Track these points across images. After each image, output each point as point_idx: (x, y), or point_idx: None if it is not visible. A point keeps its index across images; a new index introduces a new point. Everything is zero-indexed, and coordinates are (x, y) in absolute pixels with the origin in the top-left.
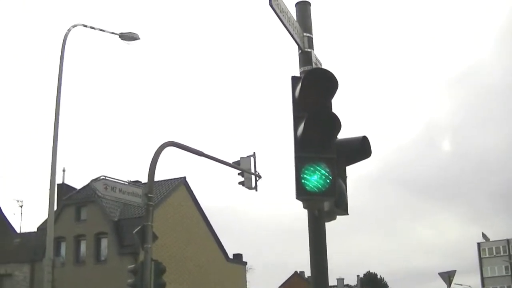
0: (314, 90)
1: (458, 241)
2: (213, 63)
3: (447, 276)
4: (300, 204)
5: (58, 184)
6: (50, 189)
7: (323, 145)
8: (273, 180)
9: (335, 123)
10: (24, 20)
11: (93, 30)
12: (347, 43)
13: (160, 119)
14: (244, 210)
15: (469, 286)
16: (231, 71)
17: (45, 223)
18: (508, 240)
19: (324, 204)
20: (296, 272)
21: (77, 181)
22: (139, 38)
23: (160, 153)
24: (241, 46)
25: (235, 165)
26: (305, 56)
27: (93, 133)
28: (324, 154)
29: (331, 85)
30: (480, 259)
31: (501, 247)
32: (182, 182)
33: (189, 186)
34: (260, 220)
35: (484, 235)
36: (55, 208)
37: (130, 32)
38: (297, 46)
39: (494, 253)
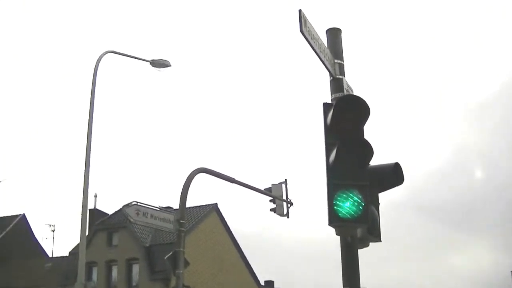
0: (346, 117)
1: (491, 270)
2: (244, 89)
3: None
4: (332, 230)
5: (90, 210)
6: (82, 214)
7: (356, 172)
8: (305, 206)
9: (368, 150)
10: (55, 46)
11: (124, 56)
12: (378, 69)
13: (191, 145)
14: (275, 236)
15: None
16: (262, 97)
17: (76, 247)
18: None
19: (357, 231)
20: None
21: (109, 207)
22: (170, 65)
23: (191, 179)
24: (272, 72)
25: (267, 191)
26: (337, 83)
27: (124, 159)
28: (357, 181)
29: (363, 112)
30: None
31: None
32: (213, 209)
33: (221, 213)
34: (291, 247)
35: None
36: (87, 233)
37: (161, 59)
38: (328, 73)
39: None
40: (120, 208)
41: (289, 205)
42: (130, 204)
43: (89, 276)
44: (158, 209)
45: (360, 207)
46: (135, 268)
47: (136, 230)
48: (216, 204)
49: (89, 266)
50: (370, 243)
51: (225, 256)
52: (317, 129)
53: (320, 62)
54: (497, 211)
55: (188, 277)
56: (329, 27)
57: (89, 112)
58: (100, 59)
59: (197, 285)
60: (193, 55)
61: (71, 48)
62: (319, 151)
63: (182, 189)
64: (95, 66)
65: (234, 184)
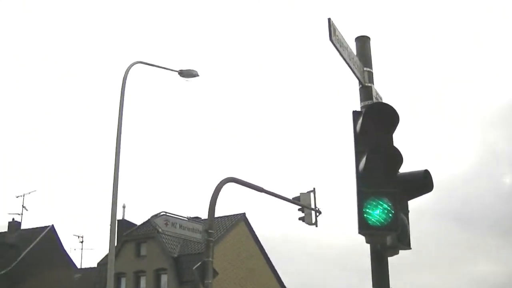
0: (375, 125)
1: None
2: (273, 98)
3: None
4: (360, 238)
5: (118, 220)
6: (111, 225)
7: (385, 180)
8: (333, 214)
9: (397, 158)
10: (84, 57)
11: (153, 67)
12: (406, 76)
13: (219, 155)
14: (304, 245)
15: None
16: (290, 106)
17: (105, 258)
18: None
19: (386, 238)
20: None
21: (137, 217)
22: (198, 75)
23: (220, 189)
24: (300, 80)
25: (295, 200)
26: (366, 91)
27: (152, 169)
28: (386, 189)
29: (393, 119)
30: None
31: None
32: (241, 218)
33: (249, 222)
34: (320, 256)
35: None
36: (115, 243)
37: (189, 69)
38: (357, 81)
39: None
40: (149, 219)
41: (317, 213)
42: (159, 215)
43: (118, 287)
44: (187, 219)
45: (390, 215)
46: (164, 279)
47: (164, 240)
48: (244, 213)
49: (118, 277)
50: (400, 251)
51: (253, 266)
52: (346, 136)
53: (349, 70)
54: None
55: (217, 287)
56: (358, 35)
57: (118, 122)
58: (129, 69)
59: None
60: (221, 64)
61: (101, 58)
62: (347, 159)
63: (211, 199)
64: (124, 76)
65: (262, 193)
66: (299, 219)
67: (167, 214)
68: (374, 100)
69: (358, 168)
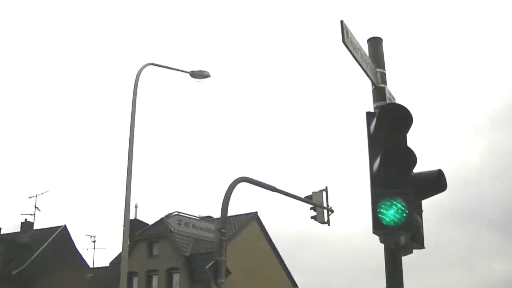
0: (389, 126)
1: None
2: (285, 98)
3: None
4: (373, 237)
5: (130, 220)
6: (124, 225)
7: (399, 180)
8: (346, 213)
9: (411, 158)
10: (96, 59)
11: (164, 68)
12: (420, 77)
13: (231, 155)
14: (316, 244)
15: None
16: (302, 106)
17: (117, 258)
18: None
19: (400, 238)
20: None
21: (149, 217)
22: (210, 76)
23: (233, 188)
24: (312, 80)
25: (308, 199)
26: (379, 92)
27: (164, 168)
28: (400, 189)
29: (406, 120)
30: None
31: None
32: (253, 217)
33: (261, 221)
34: (332, 255)
35: None
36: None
37: (201, 70)
38: (370, 82)
39: None
40: (161, 218)
41: (329, 212)
42: (172, 215)
43: (130, 286)
44: (199, 219)
45: (404, 215)
46: (176, 278)
47: (176, 239)
48: (256, 212)
49: (130, 276)
50: (414, 250)
51: (265, 265)
52: (358, 136)
53: (362, 71)
54: None
55: (228, 286)
56: (371, 36)
57: (131, 123)
58: (141, 71)
59: None
60: (233, 65)
61: (120, 56)
62: (359, 158)
63: (224, 198)
64: (136, 78)
65: (273, 192)
66: (311, 218)
67: (180, 214)
68: (387, 101)
69: (372, 168)
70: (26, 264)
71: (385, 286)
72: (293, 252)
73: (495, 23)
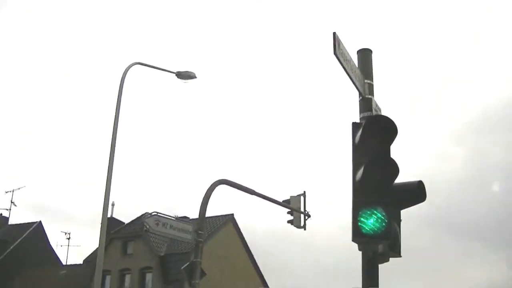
0: (374, 137)
1: (506, 284)
2: (268, 103)
3: None
4: (348, 243)
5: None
6: (101, 224)
7: (381, 190)
8: (323, 218)
9: (393, 169)
10: (84, 57)
11: (151, 68)
12: (405, 89)
13: (211, 156)
14: (291, 248)
15: None
16: (285, 111)
17: (91, 256)
18: None
19: (378, 246)
20: None
21: (125, 215)
22: (196, 77)
23: (212, 190)
24: (295, 86)
25: (285, 203)
26: (366, 103)
27: (143, 168)
28: (381, 198)
29: (391, 132)
30: None
31: None
32: (229, 219)
33: (237, 223)
34: (307, 259)
35: None
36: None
37: (187, 71)
38: (355, 92)
39: None
40: (137, 217)
41: (306, 217)
42: (150, 214)
43: (102, 285)
44: (178, 220)
45: (384, 224)
46: (149, 277)
47: (151, 239)
48: (232, 214)
49: (103, 274)
50: (390, 258)
51: (239, 267)
52: (339, 144)
53: (351, 82)
54: None
55: (202, 287)
56: (360, 48)
57: (114, 122)
58: (127, 70)
59: None
60: (219, 67)
61: (105, 56)
62: (339, 165)
63: (202, 200)
64: (122, 77)
65: (250, 195)
66: (288, 222)
67: (159, 214)
68: (374, 111)
69: (355, 177)
70: (0, 258)
71: None
72: (267, 255)
73: (495, 23)
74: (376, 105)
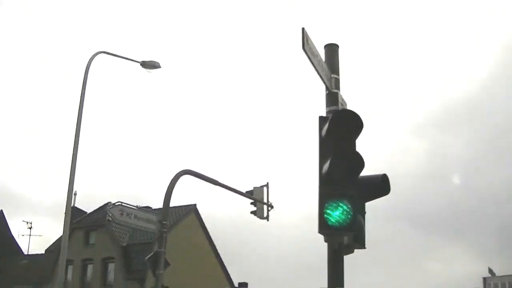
0: (340, 131)
1: (465, 276)
2: (231, 93)
3: None
4: (310, 235)
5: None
6: (65, 213)
7: (346, 183)
8: (285, 210)
9: (359, 162)
10: (47, 44)
11: (115, 57)
12: (370, 83)
13: (175, 146)
14: (253, 240)
15: None
16: (248, 103)
17: (53, 245)
18: None
19: (343, 238)
20: None
21: (87, 205)
22: (160, 67)
23: (176, 181)
24: (262, 79)
25: (248, 194)
26: (332, 97)
27: (105, 158)
28: (347, 191)
29: (357, 127)
30: None
31: (507, 282)
32: (192, 209)
33: (199, 214)
34: (268, 250)
35: (490, 270)
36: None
37: (152, 61)
38: (320, 85)
39: None
40: (100, 207)
41: (269, 208)
42: (114, 205)
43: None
44: (142, 210)
45: (349, 216)
46: (111, 267)
47: (114, 229)
48: (195, 205)
49: (65, 264)
50: (355, 250)
51: (201, 257)
52: (302, 136)
53: (318, 76)
54: (472, 218)
55: (165, 277)
56: (327, 43)
57: (78, 112)
58: (92, 59)
59: (172, 285)
60: (183, 57)
61: (69, 46)
62: (301, 157)
63: (167, 191)
64: (87, 66)
65: (212, 185)
66: (251, 212)
67: (123, 204)
68: (340, 106)
69: (321, 170)
70: None
71: (326, 283)
72: (230, 246)
73: (434, 25)
74: (342, 99)
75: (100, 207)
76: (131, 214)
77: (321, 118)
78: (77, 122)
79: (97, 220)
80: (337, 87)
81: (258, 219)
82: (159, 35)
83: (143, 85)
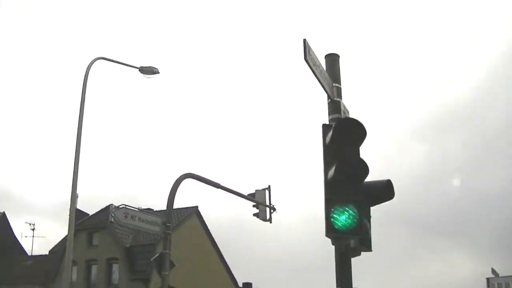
0: (345, 138)
1: (469, 276)
2: (231, 98)
3: None
4: (314, 237)
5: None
6: (70, 215)
7: (352, 188)
8: (287, 213)
9: (364, 169)
10: (47, 45)
11: (114, 63)
12: (369, 83)
13: (177, 150)
14: (256, 241)
15: None
16: (250, 108)
17: (56, 246)
18: None
19: (350, 241)
20: None
21: (88, 207)
22: (158, 72)
23: (179, 184)
24: (264, 84)
25: (251, 197)
26: (334, 105)
27: (107, 161)
28: (352, 196)
29: (361, 134)
30: None
31: (510, 282)
32: (194, 211)
33: (201, 215)
34: (272, 252)
35: (493, 271)
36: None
37: (150, 66)
38: (321, 92)
39: None
40: (102, 209)
41: (272, 210)
42: (118, 207)
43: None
44: (146, 213)
45: (355, 220)
46: (115, 268)
47: (117, 230)
48: (196, 207)
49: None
50: (362, 253)
51: (204, 258)
52: (302, 140)
53: (319, 85)
54: (474, 220)
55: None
56: (328, 53)
57: (79, 117)
58: (91, 65)
59: (176, 286)
60: (184, 62)
61: (68, 50)
62: (301, 161)
63: (170, 193)
64: (86, 72)
65: (216, 189)
66: (254, 215)
67: (127, 207)
68: (342, 114)
69: (326, 177)
70: None
71: (330, 282)
72: (233, 247)
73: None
74: (345, 107)
75: (102, 209)
76: (135, 216)
77: (324, 126)
78: (78, 127)
79: (99, 221)
80: (339, 96)
81: (260, 220)
82: (160, 40)
83: (144, 89)
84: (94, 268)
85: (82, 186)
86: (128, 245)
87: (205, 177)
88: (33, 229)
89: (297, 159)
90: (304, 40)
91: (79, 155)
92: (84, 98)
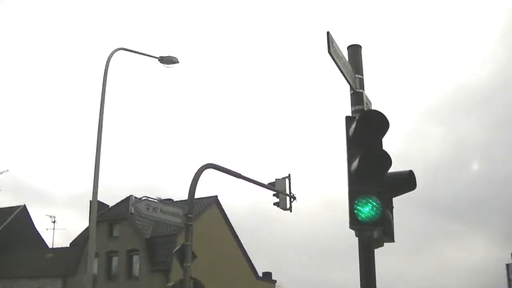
0: (368, 130)
1: (487, 262)
2: (254, 89)
3: None
4: (332, 225)
5: (91, 201)
6: (91, 208)
7: (375, 180)
8: (307, 201)
9: (387, 160)
10: (69, 42)
11: (134, 53)
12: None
13: (197, 140)
14: (276, 230)
15: None
16: (270, 97)
17: (77, 238)
18: None
19: (373, 232)
20: None
21: (109, 199)
22: (178, 62)
23: (200, 174)
24: (284, 73)
25: (271, 186)
26: (357, 96)
27: (127, 152)
28: (376, 188)
29: (383, 126)
30: (509, 280)
31: None
32: (214, 201)
33: (221, 205)
34: (292, 240)
35: None
36: (88, 224)
37: (170, 56)
38: (339, 82)
39: None
40: (122, 200)
41: (292, 199)
42: (140, 199)
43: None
44: (167, 204)
45: (378, 211)
46: (135, 259)
47: (137, 222)
48: (216, 196)
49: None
50: (385, 243)
51: (224, 248)
52: (321, 128)
53: (342, 77)
54: (493, 205)
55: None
56: (350, 44)
57: (100, 107)
58: (111, 56)
59: (196, 276)
60: (204, 52)
61: (89, 42)
62: (322, 150)
63: (191, 184)
64: (106, 62)
65: (234, 178)
66: (274, 204)
67: (149, 199)
68: (365, 105)
69: (350, 169)
70: None
71: (350, 270)
72: (253, 236)
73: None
74: (367, 98)
75: (123, 200)
76: (157, 208)
77: (347, 118)
78: (99, 118)
79: (120, 213)
80: (362, 87)
81: (279, 209)
82: (181, 30)
83: (163, 79)
84: (114, 260)
85: (101, 177)
86: (148, 236)
87: (225, 167)
88: (54, 222)
89: (316, 148)
90: (328, 33)
91: (100, 146)
92: (105, 89)
